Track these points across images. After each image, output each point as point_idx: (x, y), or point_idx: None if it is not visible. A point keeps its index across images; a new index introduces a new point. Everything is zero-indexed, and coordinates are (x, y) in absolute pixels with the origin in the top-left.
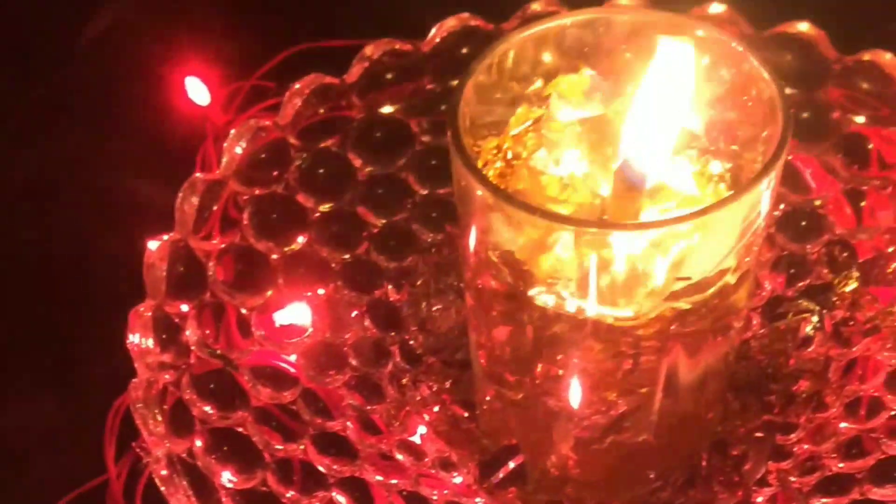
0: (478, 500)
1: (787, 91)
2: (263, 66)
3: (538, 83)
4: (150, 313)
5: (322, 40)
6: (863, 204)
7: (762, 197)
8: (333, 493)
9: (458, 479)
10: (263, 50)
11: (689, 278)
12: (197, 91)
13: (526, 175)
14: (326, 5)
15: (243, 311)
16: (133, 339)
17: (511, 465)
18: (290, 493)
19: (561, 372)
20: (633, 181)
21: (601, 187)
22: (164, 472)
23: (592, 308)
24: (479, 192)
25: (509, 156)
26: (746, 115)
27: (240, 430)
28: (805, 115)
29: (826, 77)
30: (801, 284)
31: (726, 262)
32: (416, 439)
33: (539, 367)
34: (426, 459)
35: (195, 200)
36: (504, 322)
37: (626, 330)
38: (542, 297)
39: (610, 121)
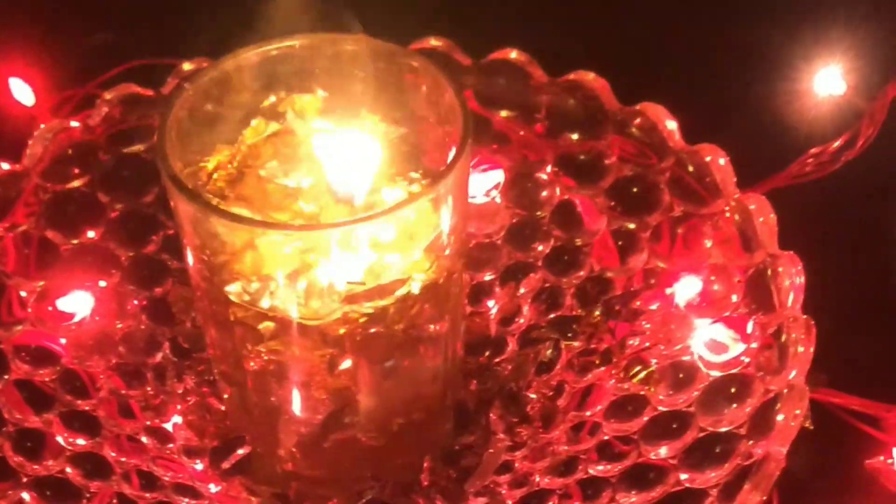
0: (211, 485)
1: (574, 137)
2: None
3: (272, 98)
4: None
5: (164, 58)
6: (620, 243)
7: (441, 214)
8: (66, 468)
9: (199, 466)
10: (109, 62)
11: (362, 283)
12: (21, 92)
13: (253, 182)
14: (174, 23)
15: (22, 293)
16: None
17: (239, 452)
18: (17, 458)
19: (272, 369)
20: (342, 196)
21: (322, 199)
22: None
23: (290, 308)
24: (178, 196)
25: (244, 163)
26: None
27: None
28: (583, 157)
29: (606, 125)
30: (553, 315)
31: (406, 271)
32: (169, 426)
33: (252, 364)
34: (171, 445)
35: None
36: (214, 319)
37: (320, 330)
38: (242, 295)
39: (341, 139)
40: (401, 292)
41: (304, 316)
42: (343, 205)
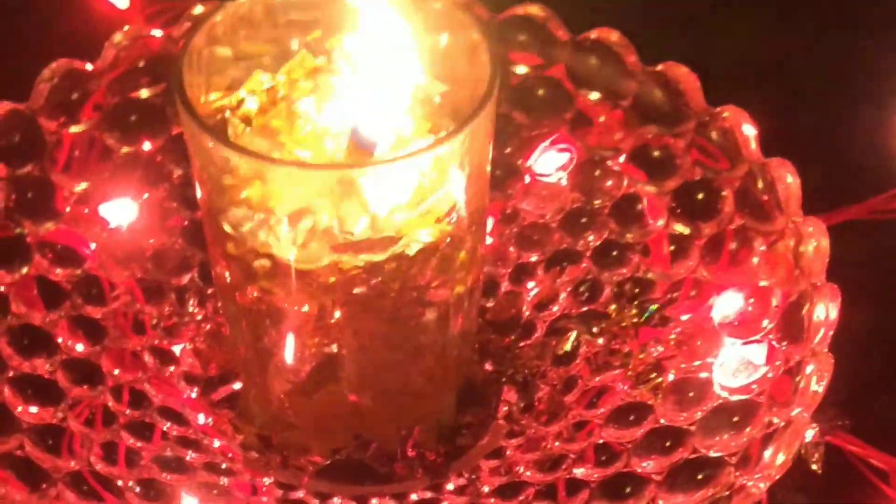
0: (200, 416)
1: (653, 130)
2: None
3: (318, 33)
4: None
5: None
6: (672, 247)
7: (447, 176)
8: (57, 371)
9: (193, 394)
10: None
11: (351, 233)
12: None
13: (283, 113)
14: None
15: (65, 192)
16: None
17: (234, 387)
18: (8, 351)
19: (264, 309)
20: (363, 144)
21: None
22: None
23: (286, 248)
24: (181, 111)
25: (280, 94)
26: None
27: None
28: (656, 153)
29: (688, 123)
30: (585, 308)
31: (401, 230)
32: (177, 350)
33: (245, 303)
34: (171, 368)
35: (56, 81)
36: (214, 251)
37: (313, 276)
38: (239, 227)
39: (380, 86)
40: (395, 250)
41: (299, 259)
42: (365, 151)
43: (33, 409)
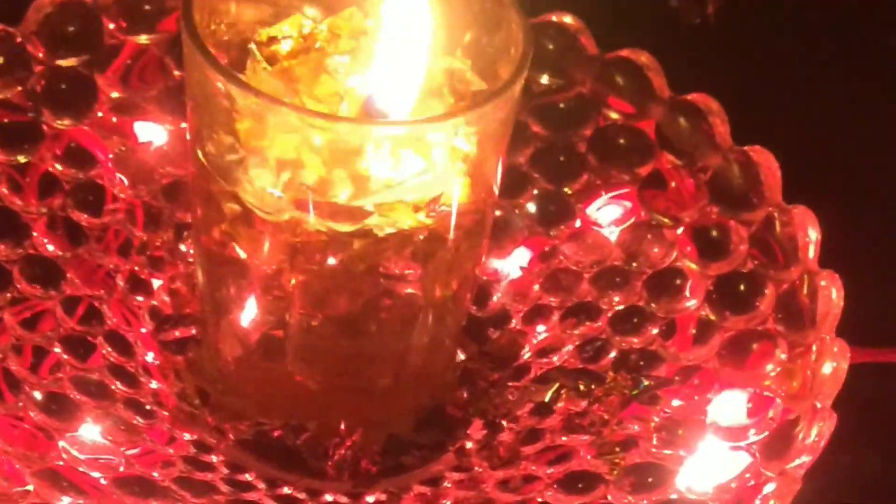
0: (150, 354)
1: (719, 210)
2: None
3: None
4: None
5: None
6: (693, 332)
7: (431, 161)
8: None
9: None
10: None
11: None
12: None
13: (312, 64)
14: None
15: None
16: None
17: (192, 332)
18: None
19: (226, 255)
20: (373, 114)
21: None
22: None
23: (256, 191)
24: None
25: (318, 45)
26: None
27: None
28: (714, 233)
29: (756, 214)
30: (581, 366)
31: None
32: (156, 284)
33: (213, 240)
34: (140, 298)
35: None
36: (191, 181)
37: (275, 229)
38: (218, 159)
39: (415, 63)
40: (363, 226)
41: (264, 205)
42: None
43: None
